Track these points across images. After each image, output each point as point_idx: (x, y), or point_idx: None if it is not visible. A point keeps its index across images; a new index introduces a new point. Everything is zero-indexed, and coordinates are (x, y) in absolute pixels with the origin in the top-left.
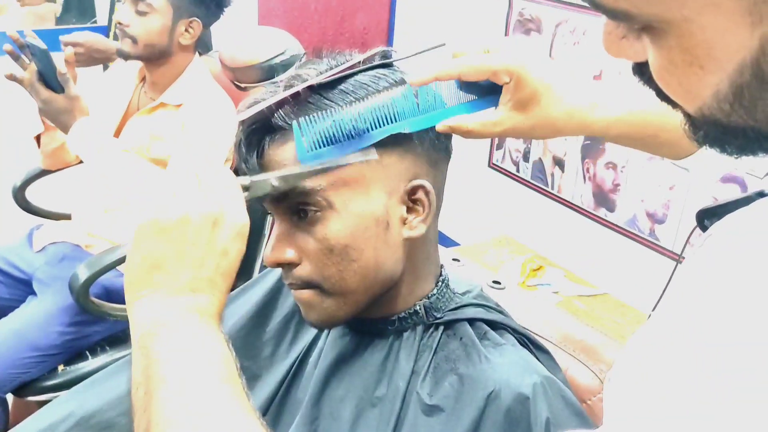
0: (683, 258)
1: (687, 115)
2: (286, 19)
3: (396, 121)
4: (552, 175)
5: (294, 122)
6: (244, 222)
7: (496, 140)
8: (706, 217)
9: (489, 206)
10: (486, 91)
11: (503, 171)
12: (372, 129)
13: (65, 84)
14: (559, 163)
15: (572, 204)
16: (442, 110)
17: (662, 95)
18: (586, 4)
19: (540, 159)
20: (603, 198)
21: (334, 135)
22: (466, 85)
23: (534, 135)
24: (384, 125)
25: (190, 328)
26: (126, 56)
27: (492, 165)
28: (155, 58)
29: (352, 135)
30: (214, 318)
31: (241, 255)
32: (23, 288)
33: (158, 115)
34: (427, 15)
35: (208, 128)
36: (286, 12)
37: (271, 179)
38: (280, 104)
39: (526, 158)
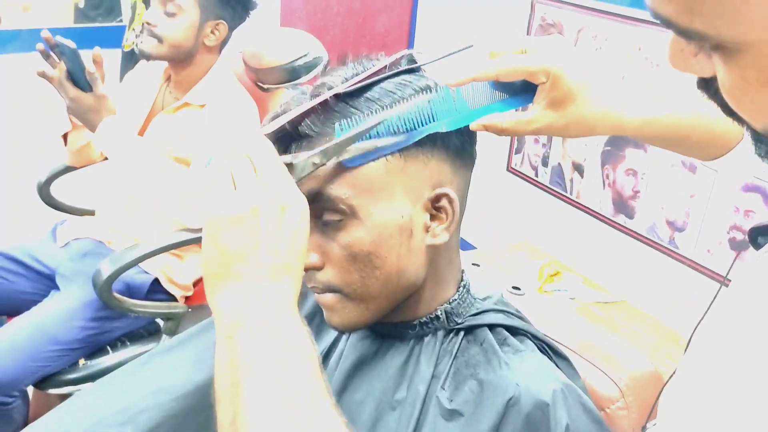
0: (729, 280)
1: (753, 131)
2: (308, 20)
3: (434, 120)
4: (571, 180)
5: (336, 125)
6: (305, 204)
7: (515, 144)
8: (760, 234)
9: (507, 210)
10: (518, 90)
11: (522, 175)
12: (411, 129)
13: (93, 83)
14: (578, 168)
15: (591, 210)
16: (477, 109)
17: (727, 110)
18: (608, 10)
19: (559, 164)
20: (622, 204)
21: (373, 136)
22: (499, 84)
23: (568, 133)
24: (422, 125)
25: (273, 319)
26: (148, 57)
27: (511, 169)
28: (180, 58)
29: (391, 135)
30: (293, 306)
31: (307, 236)
32: (46, 282)
33: (182, 115)
34: (449, 18)
35: (232, 128)
36: (309, 14)
37: (312, 157)
38: (306, 113)
39: (545, 163)
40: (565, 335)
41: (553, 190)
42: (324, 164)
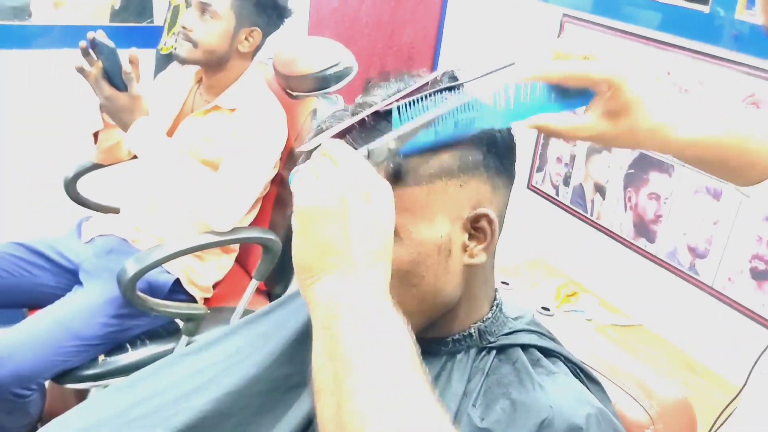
0: None
1: None
2: (336, 30)
3: (488, 115)
4: (592, 201)
5: (393, 108)
6: (389, 187)
7: (537, 162)
8: None
9: (526, 228)
10: (574, 95)
11: (542, 194)
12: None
13: (129, 83)
14: (600, 189)
15: (611, 232)
16: (532, 108)
17: None
18: (638, 33)
19: (581, 184)
20: (644, 228)
21: (432, 125)
22: (556, 87)
23: (616, 144)
24: (479, 120)
25: (370, 309)
26: (183, 61)
27: (531, 187)
28: (213, 63)
29: (450, 127)
30: (387, 293)
31: (394, 219)
32: (69, 277)
33: (212, 118)
34: (474, 33)
35: (261, 133)
36: (337, 23)
37: (388, 143)
38: (347, 129)
39: (566, 182)
40: (594, 359)
41: (573, 210)
42: (398, 149)
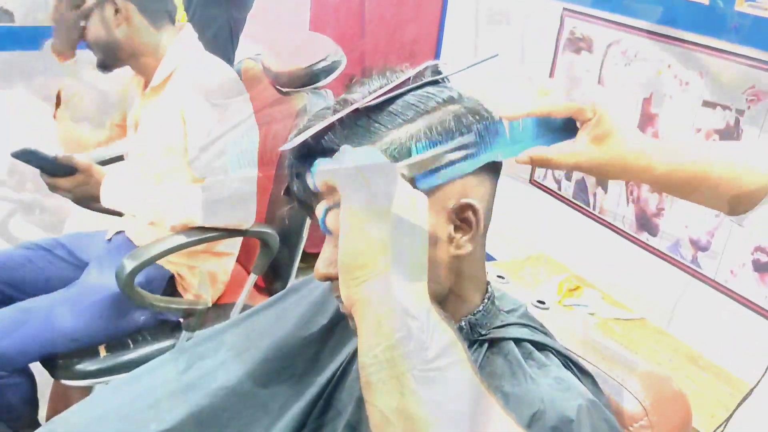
0: None
1: None
2: (338, 27)
3: (491, 149)
4: (594, 195)
5: (412, 144)
6: (426, 199)
7: None
8: None
9: (528, 223)
10: (560, 129)
11: (544, 188)
12: (472, 156)
13: (71, 162)
14: (602, 183)
15: (614, 226)
16: (524, 141)
17: None
18: (639, 26)
19: (583, 178)
20: (646, 221)
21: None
22: (542, 120)
23: (606, 171)
24: (482, 153)
25: (425, 308)
26: (102, 68)
27: (533, 181)
28: (117, 57)
29: (455, 163)
30: (433, 303)
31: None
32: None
33: (156, 104)
34: (476, 29)
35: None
36: (339, 20)
37: (401, 168)
38: (329, 127)
39: (568, 177)
40: (588, 351)
41: (575, 204)
42: (409, 178)
